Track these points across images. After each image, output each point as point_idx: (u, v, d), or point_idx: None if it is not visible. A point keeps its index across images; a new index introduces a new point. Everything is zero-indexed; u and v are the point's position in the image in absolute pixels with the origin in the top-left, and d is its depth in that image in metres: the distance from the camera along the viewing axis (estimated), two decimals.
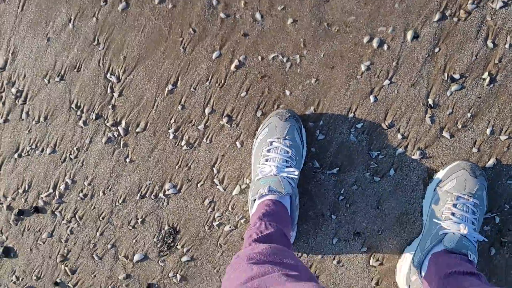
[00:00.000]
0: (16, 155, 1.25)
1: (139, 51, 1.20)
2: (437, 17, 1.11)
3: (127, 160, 1.21)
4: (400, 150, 1.13)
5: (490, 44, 1.10)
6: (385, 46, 1.13)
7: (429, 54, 1.12)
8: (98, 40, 1.21)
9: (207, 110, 1.18)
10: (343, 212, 1.15)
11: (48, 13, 1.22)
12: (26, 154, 1.25)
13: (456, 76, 1.11)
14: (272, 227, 0.93)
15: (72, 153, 1.23)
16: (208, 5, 1.18)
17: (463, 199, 1.02)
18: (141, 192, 1.21)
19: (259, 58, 1.17)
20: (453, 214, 1.01)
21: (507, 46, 1.10)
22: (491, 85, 1.10)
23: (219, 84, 1.18)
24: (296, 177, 1.05)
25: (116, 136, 1.21)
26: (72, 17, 1.21)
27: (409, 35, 1.12)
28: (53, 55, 1.22)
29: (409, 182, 1.13)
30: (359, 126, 1.14)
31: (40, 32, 1.22)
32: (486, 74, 1.10)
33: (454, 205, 1.02)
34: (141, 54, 1.20)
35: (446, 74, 1.12)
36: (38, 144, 1.24)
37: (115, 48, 1.21)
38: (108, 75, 1.21)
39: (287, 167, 1.05)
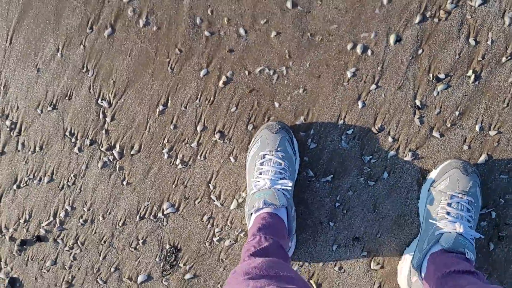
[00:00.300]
0: (15, 186, 1.27)
1: (128, 75, 1.22)
2: (417, 19, 1.13)
3: (124, 183, 1.23)
4: (392, 152, 1.14)
5: (472, 42, 1.11)
6: (369, 52, 1.15)
7: (413, 56, 1.13)
8: (87, 67, 1.23)
9: (199, 128, 1.20)
10: (341, 218, 1.16)
11: (36, 44, 1.24)
12: (25, 184, 1.26)
13: (441, 75, 1.12)
14: (268, 240, 0.94)
15: (69, 180, 1.25)
16: (192, 25, 1.20)
17: (457, 197, 1.03)
18: (140, 213, 1.23)
19: (246, 72, 1.18)
20: (448, 213, 1.02)
21: (489, 42, 1.11)
22: (477, 82, 1.12)
23: (208, 101, 1.20)
24: (291, 188, 1.06)
25: (111, 160, 1.23)
26: (60, 47, 1.23)
27: (392, 39, 1.14)
28: (44, 85, 1.24)
29: (403, 184, 1.14)
30: (349, 132, 1.15)
31: (29, 63, 1.24)
32: (470, 71, 1.12)
33: (449, 204, 1.02)
34: (130, 77, 1.22)
35: (431, 75, 1.13)
36: (35, 174, 1.26)
37: (104, 73, 1.23)
38: (99, 101, 1.23)
39: (280, 179, 1.06)
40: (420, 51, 1.13)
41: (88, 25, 1.22)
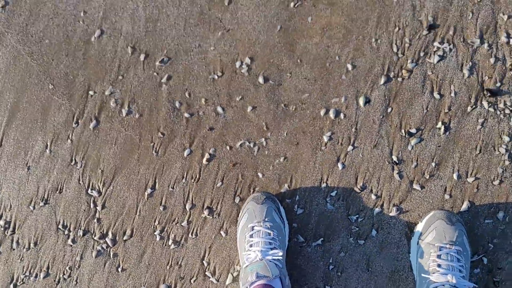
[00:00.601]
0: (11, 286, 1.27)
1: (115, 163, 1.26)
2: (382, 80, 1.19)
3: (119, 269, 1.24)
4: (377, 209, 1.17)
5: (436, 96, 1.17)
6: (342, 115, 1.20)
7: (384, 115, 1.19)
8: (75, 160, 1.28)
9: (187, 206, 1.23)
10: (336, 281, 1.17)
11: (25, 143, 1.29)
12: (21, 282, 1.27)
13: (413, 130, 1.17)
14: None
15: (65, 273, 1.25)
16: (172, 108, 1.26)
17: (446, 248, 1.04)
18: None
19: (228, 147, 1.23)
20: (439, 265, 1.03)
21: (452, 94, 1.17)
22: (447, 133, 1.16)
23: (194, 179, 1.24)
24: (281, 257, 1.07)
25: (105, 248, 1.25)
26: (48, 143, 1.29)
27: (361, 101, 1.20)
28: (35, 182, 1.28)
29: (392, 240, 1.16)
30: (333, 194, 1.18)
31: (20, 162, 1.29)
32: (440, 123, 1.17)
33: (438, 256, 1.04)
34: (117, 165, 1.26)
35: (403, 130, 1.18)
36: (31, 271, 1.27)
37: (92, 164, 1.27)
38: (89, 191, 1.26)
39: (271, 249, 1.08)
40: (389, 110, 1.19)
41: (73, 120, 1.29)
